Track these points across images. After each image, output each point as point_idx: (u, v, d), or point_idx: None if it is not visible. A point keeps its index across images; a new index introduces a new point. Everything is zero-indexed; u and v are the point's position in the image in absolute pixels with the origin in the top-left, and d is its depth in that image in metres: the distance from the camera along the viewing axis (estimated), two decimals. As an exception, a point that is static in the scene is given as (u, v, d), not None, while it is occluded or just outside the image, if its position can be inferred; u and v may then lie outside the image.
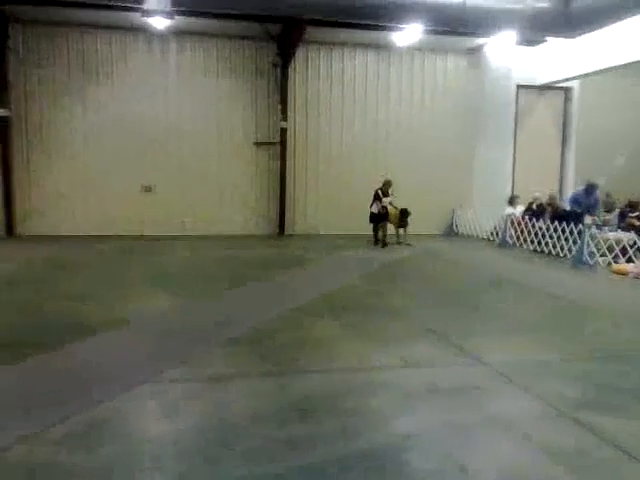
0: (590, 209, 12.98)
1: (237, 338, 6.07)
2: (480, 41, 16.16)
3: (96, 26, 14.80)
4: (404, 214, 13.98)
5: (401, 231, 14.28)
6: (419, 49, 16.48)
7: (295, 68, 16.07)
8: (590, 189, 13.15)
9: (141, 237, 14.75)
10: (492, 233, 15.62)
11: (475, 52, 17.01)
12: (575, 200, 13.40)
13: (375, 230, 13.98)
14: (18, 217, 14.89)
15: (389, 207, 13.86)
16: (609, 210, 13.37)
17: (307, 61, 16.24)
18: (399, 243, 13.98)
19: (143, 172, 15.57)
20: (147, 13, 12.20)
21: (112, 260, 11.64)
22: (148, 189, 15.66)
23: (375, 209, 13.75)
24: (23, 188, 14.92)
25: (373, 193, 13.85)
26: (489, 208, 15.88)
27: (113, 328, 6.37)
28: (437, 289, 9.20)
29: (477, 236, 16.40)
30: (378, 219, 13.86)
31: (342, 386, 4.77)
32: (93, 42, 15.02)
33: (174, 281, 9.41)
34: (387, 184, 13.86)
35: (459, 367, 5.37)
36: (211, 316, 7.12)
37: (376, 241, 13.86)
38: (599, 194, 13.34)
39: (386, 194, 13.78)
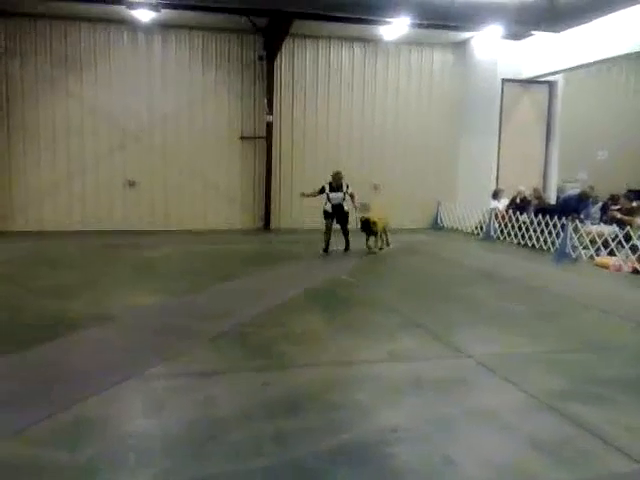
0: (579, 214, 12.88)
1: (223, 333, 6.07)
2: (466, 35, 16.20)
3: (80, 18, 14.59)
4: (365, 226, 11.84)
5: (371, 240, 12.09)
6: (405, 43, 16.47)
7: (281, 61, 16.00)
8: (584, 198, 13.12)
9: (125, 232, 14.62)
10: (476, 227, 15.73)
11: (461, 46, 17.05)
12: (566, 202, 13.39)
13: (328, 230, 11.85)
14: (0, 213, 14.69)
15: (346, 206, 11.80)
16: (592, 203, 13.52)
17: (293, 54, 16.17)
18: (370, 252, 11.97)
19: (127, 167, 15.42)
20: (132, 5, 12.07)
21: (96, 255, 11.54)
22: (132, 184, 15.52)
23: (328, 206, 11.71)
24: (4, 183, 14.72)
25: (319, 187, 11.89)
26: (473, 201, 15.98)
27: (98, 324, 6.33)
28: (421, 283, 9.26)
29: (462, 230, 16.49)
30: (329, 216, 11.76)
31: (328, 380, 4.80)
32: (76, 35, 14.80)
33: (159, 276, 9.36)
34: (337, 177, 11.74)
35: (444, 360, 5.43)
36: (196, 311, 7.10)
37: (326, 247, 11.81)
38: (591, 204, 13.34)
39: (336, 189, 11.68)
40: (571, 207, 12.82)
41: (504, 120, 15.96)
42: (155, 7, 12.15)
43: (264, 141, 15.95)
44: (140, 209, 15.50)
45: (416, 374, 4.95)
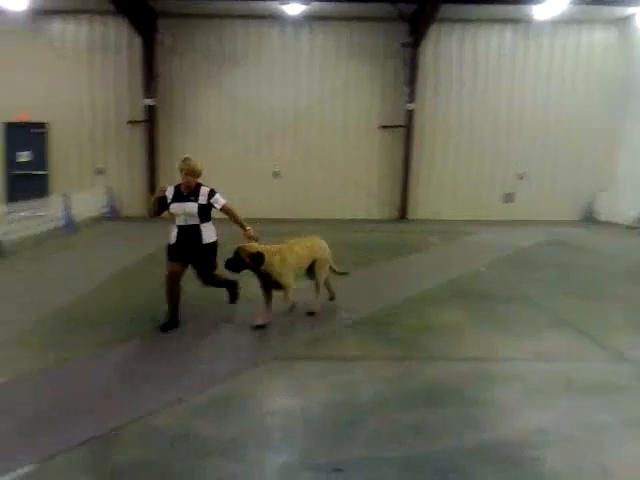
0: None
1: (362, 321, 6.14)
2: (631, 10, 14.73)
3: (235, 16, 15.43)
4: (234, 264, 5.71)
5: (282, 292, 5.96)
6: (561, 21, 15.36)
7: (426, 48, 15.68)
8: None
9: (269, 220, 15.22)
10: (638, 220, 14.31)
11: (625, 22, 15.49)
12: None
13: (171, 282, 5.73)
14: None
15: (207, 233, 5.85)
16: None
17: (439, 40, 15.77)
18: (257, 327, 5.79)
19: (273, 158, 16.10)
20: (285, 0, 12.54)
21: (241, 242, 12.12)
22: (276, 174, 16.20)
23: (171, 237, 5.82)
24: (167, 173, 15.97)
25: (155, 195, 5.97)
26: (636, 192, 14.55)
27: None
28: (572, 279, 8.59)
29: (619, 223, 15.09)
30: (173, 253, 5.77)
31: (470, 376, 4.66)
32: (232, 32, 15.68)
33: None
34: (187, 170, 5.68)
35: (599, 363, 5.01)
36: (336, 298, 7.22)
37: (171, 315, 5.79)
38: None
39: (186, 196, 5.74)
40: None
41: (675, 102, 14.31)
42: (306, 0, 12.53)
43: (404, 130, 15.80)
44: (283, 198, 16.11)
45: (566, 376, 4.64)
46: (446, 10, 14.14)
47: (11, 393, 4.21)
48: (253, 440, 3.57)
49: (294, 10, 14.26)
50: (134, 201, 15.94)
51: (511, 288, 7.92)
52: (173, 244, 5.77)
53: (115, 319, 6.07)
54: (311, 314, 6.21)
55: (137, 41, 15.19)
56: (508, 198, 16.34)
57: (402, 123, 15.82)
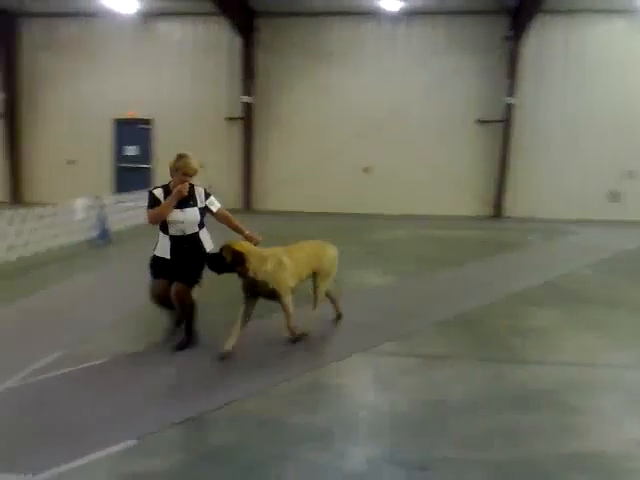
0: None
1: (451, 320, 6.01)
2: None
3: (332, 13, 15.56)
4: (215, 262, 4.71)
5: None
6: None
7: (528, 41, 15.03)
8: None
9: (359, 215, 15.22)
10: None
11: None
12: None
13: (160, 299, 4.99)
14: (256, 193, 16.54)
15: (205, 237, 5.12)
16: None
17: (542, 32, 15.07)
18: (294, 340, 5.05)
19: (364, 153, 16.08)
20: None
21: (333, 236, 12.19)
22: (366, 170, 16.18)
23: (163, 242, 5.04)
24: (262, 168, 16.49)
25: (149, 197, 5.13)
26: None
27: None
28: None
29: None
30: (158, 269, 5.00)
31: (564, 381, 4.46)
32: (328, 29, 15.84)
33: (388, 259, 9.55)
34: (187, 170, 5.02)
35: None
36: (425, 295, 7.11)
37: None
38: None
39: (184, 200, 4.95)
40: None
41: None
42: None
43: (502, 124, 15.27)
44: (373, 194, 16.05)
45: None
46: (551, 1, 13.49)
47: (110, 373, 4.47)
48: (341, 431, 3.61)
49: (392, 6, 14.19)
50: (230, 194, 16.49)
51: (614, 292, 7.46)
52: (167, 259, 4.90)
53: (206, 307, 6.26)
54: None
55: (237, 40, 15.70)
56: (614, 197, 15.38)
57: (500, 118, 15.31)
